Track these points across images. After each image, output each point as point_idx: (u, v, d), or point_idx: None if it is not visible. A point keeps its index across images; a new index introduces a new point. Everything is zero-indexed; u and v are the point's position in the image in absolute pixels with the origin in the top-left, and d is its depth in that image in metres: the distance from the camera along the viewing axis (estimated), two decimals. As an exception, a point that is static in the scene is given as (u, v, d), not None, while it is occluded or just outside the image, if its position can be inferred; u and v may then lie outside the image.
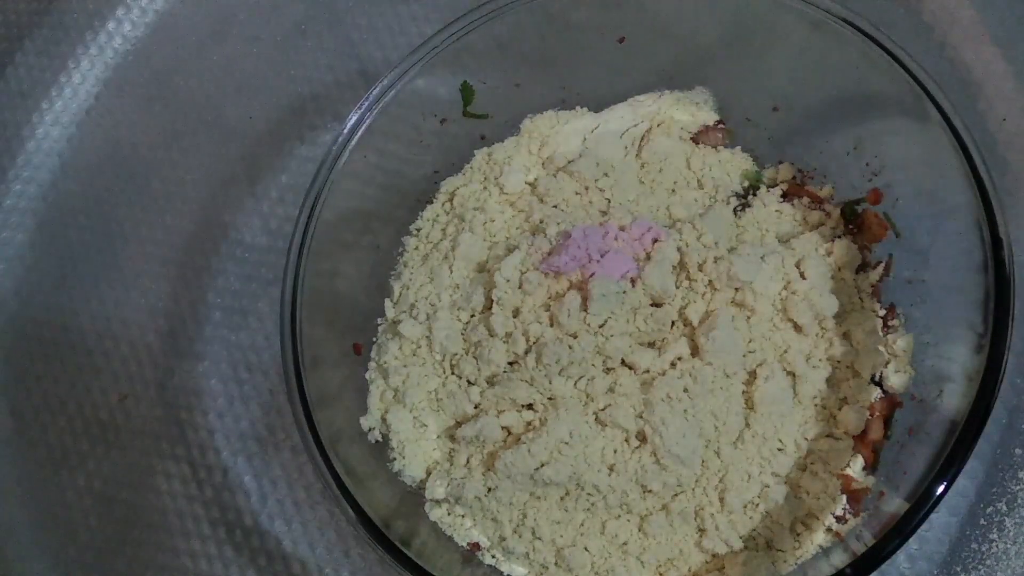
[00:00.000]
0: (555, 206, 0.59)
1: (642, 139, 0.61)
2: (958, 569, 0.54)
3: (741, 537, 0.52)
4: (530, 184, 0.61)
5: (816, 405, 0.53)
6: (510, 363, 0.55)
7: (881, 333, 0.54)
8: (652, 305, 0.54)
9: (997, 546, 0.54)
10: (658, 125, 0.61)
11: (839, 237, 0.57)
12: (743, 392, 0.53)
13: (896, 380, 0.53)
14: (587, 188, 0.60)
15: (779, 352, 0.54)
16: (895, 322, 0.55)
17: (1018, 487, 0.55)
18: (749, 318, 0.54)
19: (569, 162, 0.61)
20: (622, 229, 0.55)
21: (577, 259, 0.54)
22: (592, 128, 0.62)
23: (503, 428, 0.54)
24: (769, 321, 0.54)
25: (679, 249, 0.55)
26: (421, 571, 0.48)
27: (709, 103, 0.61)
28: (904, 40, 0.51)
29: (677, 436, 0.51)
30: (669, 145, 0.61)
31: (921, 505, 0.44)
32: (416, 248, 0.61)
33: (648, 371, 0.53)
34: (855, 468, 0.52)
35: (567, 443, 0.52)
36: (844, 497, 0.52)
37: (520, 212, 0.61)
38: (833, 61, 0.54)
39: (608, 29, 0.59)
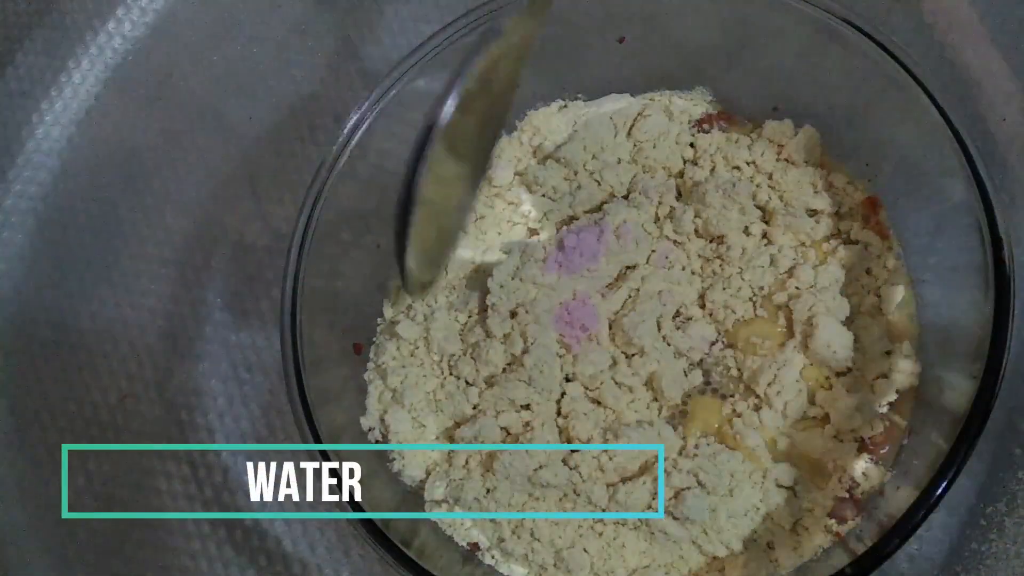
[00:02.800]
0: (544, 195, 0.59)
1: (634, 119, 0.61)
2: (958, 569, 0.54)
3: (741, 539, 0.52)
4: (519, 174, 0.61)
5: (821, 407, 0.53)
6: (508, 364, 0.55)
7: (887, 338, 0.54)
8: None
9: (997, 546, 0.54)
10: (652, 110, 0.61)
11: (845, 241, 0.57)
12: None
13: (904, 380, 0.53)
14: (576, 173, 0.60)
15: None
16: None
17: (1018, 487, 0.55)
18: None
19: (557, 147, 0.61)
20: (617, 228, 0.55)
21: (570, 266, 0.54)
22: (583, 113, 0.62)
23: (502, 429, 0.54)
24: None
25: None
26: (421, 571, 0.48)
27: (709, 103, 0.61)
28: (904, 40, 0.51)
29: None
30: (662, 123, 0.60)
31: (921, 505, 0.44)
32: None
33: None
34: (856, 470, 0.52)
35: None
36: (846, 497, 0.52)
37: (510, 204, 0.61)
38: (833, 61, 0.54)
39: (608, 29, 0.59)
